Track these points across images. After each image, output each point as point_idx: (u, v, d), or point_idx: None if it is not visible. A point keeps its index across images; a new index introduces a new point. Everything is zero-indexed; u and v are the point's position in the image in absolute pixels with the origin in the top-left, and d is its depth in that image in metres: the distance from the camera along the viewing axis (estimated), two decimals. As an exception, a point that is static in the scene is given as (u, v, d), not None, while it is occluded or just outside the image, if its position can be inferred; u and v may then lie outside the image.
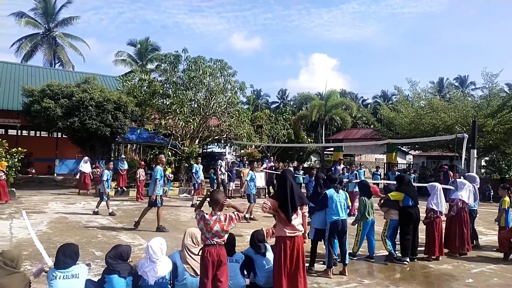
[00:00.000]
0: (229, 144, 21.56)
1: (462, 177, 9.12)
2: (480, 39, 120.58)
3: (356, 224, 7.07)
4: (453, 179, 12.95)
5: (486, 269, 6.86)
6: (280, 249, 4.81)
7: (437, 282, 6.07)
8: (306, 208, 5.11)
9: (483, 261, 7.35)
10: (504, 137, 19.98)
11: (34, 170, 16.51)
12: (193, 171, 14.37)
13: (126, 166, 16.32)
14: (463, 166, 10.69)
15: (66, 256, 4.16)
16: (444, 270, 6.71)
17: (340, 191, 6.35)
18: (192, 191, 14.53)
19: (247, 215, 10.81)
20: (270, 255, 5.34)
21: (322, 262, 6.32)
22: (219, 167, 16.55)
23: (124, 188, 16.18)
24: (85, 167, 15.91)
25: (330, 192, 6.16)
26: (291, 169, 19.02)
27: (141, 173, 15.37)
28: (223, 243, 4.38)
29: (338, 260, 6.37)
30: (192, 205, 13.31)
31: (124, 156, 18.19)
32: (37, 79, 22.37)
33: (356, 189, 13.48)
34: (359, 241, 6.99)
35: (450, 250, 7.74)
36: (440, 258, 7.27)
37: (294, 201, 4.78)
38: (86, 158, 16.48)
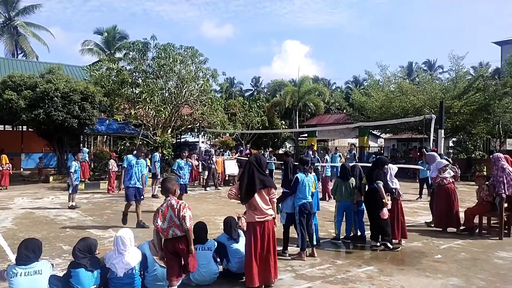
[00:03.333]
0: (202, 132, 21.28)
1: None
2: (449, 22, 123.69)
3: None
4: (421, 160, 13.36)
5: (454, 244, 7.08)
6: (250, 234, 4.82)
7: (408, 259, 6.21)
8: (274, 193, 4.96)
9: (451, 237, 7.58)
10: (470, 118, 20.65)
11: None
12: (155, 160, 13.99)
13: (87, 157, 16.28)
14: (431, 147, 10.93)
15: (29, 250, 4.00)
16: (414, 247, 6.88)
17: (310, 174, 6.37)
18: (152, 181, 13.85)
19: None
20: (242, 241, 5.30)
21: (296, 245, 6.33)
22: (209, 156, 16.28)
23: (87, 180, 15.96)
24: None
25: (301, 176, 6.16)
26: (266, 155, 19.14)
27: (112, 164, 15.03)
28: (182, 235, 4.25)
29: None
30: (153, 195, 13.02)
31: (86, 148, 17.78)
32: (-3, 70, 21.31)
33: (329, 173, 13.65)
34: (336, 223, 7.11)
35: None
36: (401, 242, 6.97)
37: (253, 183, 4.75)
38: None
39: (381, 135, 36.40)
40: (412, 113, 19.94)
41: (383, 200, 6.47)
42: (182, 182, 10.35)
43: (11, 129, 23.03)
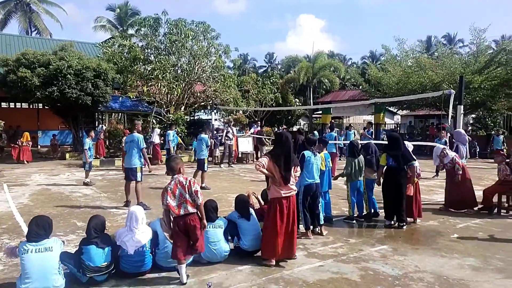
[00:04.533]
0: (215, 110, 21.17)
1: (449, 134, 9.05)
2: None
3: (345, 185, 7.04)
4: (439, 137, 13.05)
5: (472, 223, 6.90)
6: (276, 210, 4.87)
7: (423, 238, 6.08)
8: (298, 171, 5.20)
9: (468, 216, 7.39)
10: (490, 93, 19.98)
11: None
12: (169, 138, 13.90)
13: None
14: (449, 123, 10.61)
15: (39, 227, 4.01)
16: (430, 226, 6.73)
17: (318, 154, 6.21)
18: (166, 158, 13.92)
19: (202, 185, 10.09)
20: (254, 218, 5.24)
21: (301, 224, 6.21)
22: (225, 133, 16.20)
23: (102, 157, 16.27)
24: (156, 138, 15.31)
25: (308, 153, 5.98)
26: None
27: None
28: (194, 211, 4.30)
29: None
30: (167, 173, 12.94)
31: (102, 125, 17.98)
32: (12, 48, 21.38)
33: (334, 149, 13.27)
34: (350, 203, 6.94)
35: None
36: (416, 221, 6.84)
37: (289, 161, 4.89)
38: (157, 129, 15.84)
39: (397, 112, 35.72)
40: (430, 89, 19.40)
41: (415, 179, 6.71)
42: (202, 158, 10.26)
43: (27, 106, 23.34)
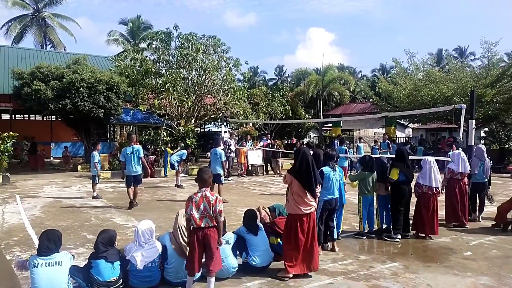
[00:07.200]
0: (225, 122, 21.25)
1: (461, 148, 8.93)
2: (481, 8, 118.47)
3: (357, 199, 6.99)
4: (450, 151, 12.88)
5: (485, 241, 6.76)
6: (297, 226, 4.92)
7: (435, 255, 5.96)
8: (319, 189, 5.22)
9: (482, 233, 7.24)
10: (503, 107, 19.76)
11: (41, 152, 18.44)
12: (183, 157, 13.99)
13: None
14: (461, 137, 10.48)
15: (50, 241, 4.04)
16: (442, 243, 6.61)
17: (337, 168, 6.18)
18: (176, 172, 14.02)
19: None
20: (262, 233, 5.22)
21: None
22: (228, 146, 16.16)
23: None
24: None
25: (327, 169, 5.95)
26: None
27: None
28: (213, 226, 4.30)
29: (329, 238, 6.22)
30: (177, 185, 13.06)
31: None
32: (27, 61, 21.89)
33: (345, 164, 13.15)
34: (362, 218, 6.84)
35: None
36: (431, 237, 6.75)
37: (313, 178, 4.91)
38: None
39: (408, 125, 35.47)
40: (441, 102, 19.26)
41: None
42: (218, 173, 10.22)
43: (40, 119, 23.75)
